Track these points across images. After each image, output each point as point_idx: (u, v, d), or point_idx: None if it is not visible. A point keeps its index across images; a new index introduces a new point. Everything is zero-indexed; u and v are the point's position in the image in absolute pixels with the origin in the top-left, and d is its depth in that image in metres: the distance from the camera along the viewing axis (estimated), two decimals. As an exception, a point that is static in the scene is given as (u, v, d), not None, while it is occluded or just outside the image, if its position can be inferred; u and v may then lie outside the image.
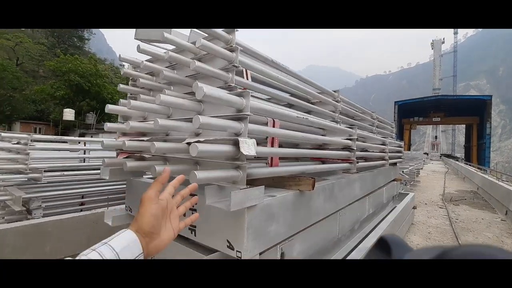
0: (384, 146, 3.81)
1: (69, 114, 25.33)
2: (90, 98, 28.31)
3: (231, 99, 1.25)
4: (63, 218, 2.86)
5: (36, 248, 2.64)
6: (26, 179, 3.10)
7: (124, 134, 1.93)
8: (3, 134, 3.19)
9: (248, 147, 1.22)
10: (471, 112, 33.18)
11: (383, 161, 3.79)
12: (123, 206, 2.13)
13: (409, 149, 41.07)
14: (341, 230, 2.50)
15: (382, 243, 0.42)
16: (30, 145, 2.91)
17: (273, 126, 1.56)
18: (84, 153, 3.64)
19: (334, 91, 2.62)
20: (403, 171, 10.56)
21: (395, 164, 4.72)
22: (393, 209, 4.19)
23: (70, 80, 25.94)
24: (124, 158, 1.83)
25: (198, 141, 1.15)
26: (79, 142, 3.89)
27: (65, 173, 3.43)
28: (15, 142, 2.98)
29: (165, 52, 1.56)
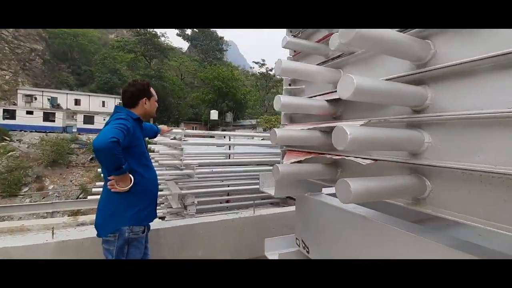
0: None
1: (214, 114, 30.35)
2: (228, 100, 32.86)
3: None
4: (212, 221, 2.59)
5: (189, 250, 2.47)
6: (181, 175, 3.09)
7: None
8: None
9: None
10: None
11: None
12: (289, 236, 1.41)
13: None
14: None
15: None
16: (183, 140, 2.83)
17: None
18: (229, 149, 3.40)
19: None
20: None
21: None
22: None
23: (214, 85, 31.00)
24: (294, 160, 1.08)
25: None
26: (224, 137, 3.78)
27: (214, 169, 3.29)
28: (172, 138, 2.99)
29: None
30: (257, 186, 3.40)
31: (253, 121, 28.59)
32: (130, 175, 1.53)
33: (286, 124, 1.35)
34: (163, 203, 3.41)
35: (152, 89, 1.80)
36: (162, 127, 2.32)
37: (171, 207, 2.99)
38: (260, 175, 1.58)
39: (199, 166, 3.05)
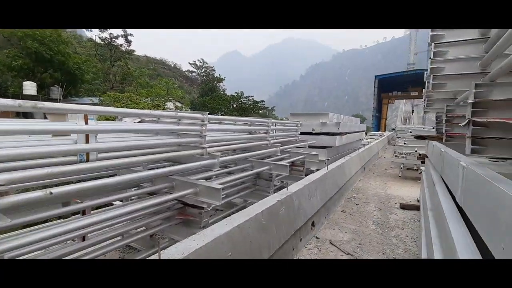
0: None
1: (30, 87, 22.48)
2: (54, 68, 25.26)
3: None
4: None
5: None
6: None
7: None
8: None
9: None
10: (446, 87, 34.56)
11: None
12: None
13: (385, 126, 42.57)
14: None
15: None
16: None
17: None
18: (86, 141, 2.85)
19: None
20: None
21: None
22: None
23: (27, 47, 22.73)
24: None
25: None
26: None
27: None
28: None
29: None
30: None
31: (95, 99, 23.53)
32: None
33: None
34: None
35: None
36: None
37: None
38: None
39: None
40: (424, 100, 5.04)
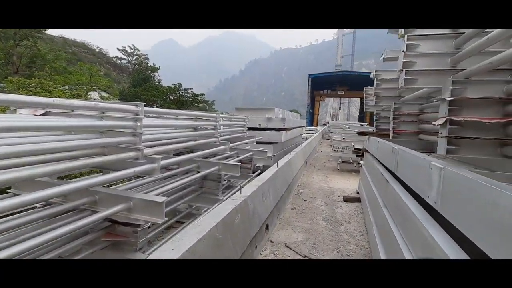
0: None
1: None
2: None
3: None
4: None
5: None
6: None
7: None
8: None
9: None
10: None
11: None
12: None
13: (317, 121, 46.28)
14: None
15: None
16: None
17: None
18: None
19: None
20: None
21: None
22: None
23: None
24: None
25: None
26: None
27: None
28: None
29: None
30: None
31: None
32: None
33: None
34: None
35: None
36: None
37: None
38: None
39: None
40: (365, 98, 5.30)
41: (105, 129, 2.18)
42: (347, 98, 64.15)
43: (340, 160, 9.08)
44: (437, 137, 1.76)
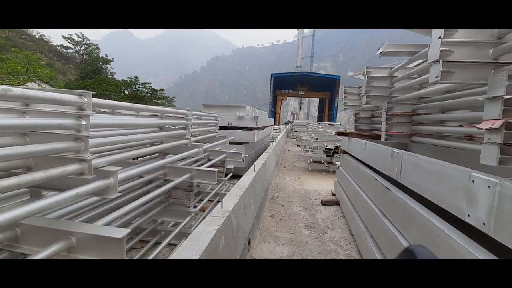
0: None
1: None
2: None
3: None
4: None
5: None
6: None
7: None
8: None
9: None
10: (325, 88, 41.28)
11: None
12: None
13: (279, 120, 47.07)
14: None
15: (408, 253, 0.46)
16: None
17: None
18: None
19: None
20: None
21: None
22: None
23: None
24: None
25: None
26: None
27: None
28: None
29: None
30: None
31: None
32: None
33: None
34: None
35: None
36: None
37: None
38: None
39: None
40: (344, 97, 5.10)
41: (29, 130, 1.45)
42: (307, 98, 66.52)
43: (310, 160, 8.95)
44: (481, 143, 1.44)
